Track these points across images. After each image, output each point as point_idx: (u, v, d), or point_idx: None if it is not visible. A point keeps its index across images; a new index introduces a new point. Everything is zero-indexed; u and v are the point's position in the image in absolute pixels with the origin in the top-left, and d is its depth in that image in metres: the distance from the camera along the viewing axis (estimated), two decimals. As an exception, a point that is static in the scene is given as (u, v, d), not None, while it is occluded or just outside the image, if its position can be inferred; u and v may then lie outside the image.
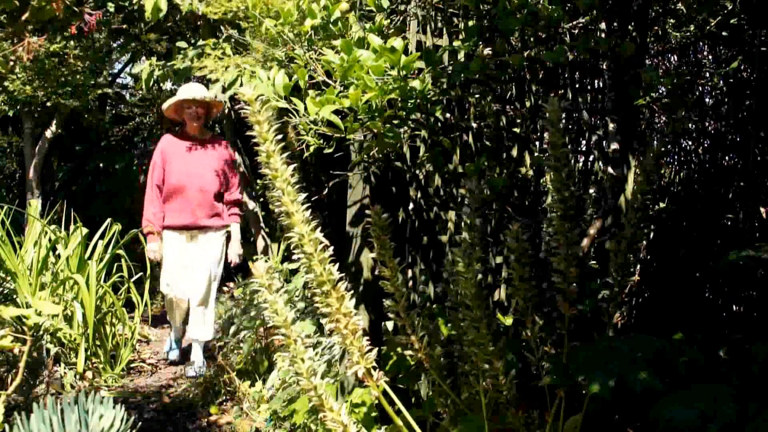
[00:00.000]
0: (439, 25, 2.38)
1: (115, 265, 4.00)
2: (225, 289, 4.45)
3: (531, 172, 2.44)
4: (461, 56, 2.17)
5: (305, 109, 1.73)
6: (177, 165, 3.58)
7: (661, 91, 2.87)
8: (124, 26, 5.06)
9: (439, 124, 2.31)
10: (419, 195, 2.42)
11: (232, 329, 3.39)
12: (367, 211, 1.61)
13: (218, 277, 3.66)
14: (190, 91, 3.58)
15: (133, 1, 5.05)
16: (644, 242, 2.64)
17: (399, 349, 1.87)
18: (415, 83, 1.76)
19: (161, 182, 3.62)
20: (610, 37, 1.98)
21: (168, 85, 5.88)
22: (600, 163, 2.45)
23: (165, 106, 3.66)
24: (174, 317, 3.78)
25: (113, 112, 8.79)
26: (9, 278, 3.33)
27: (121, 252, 3.94)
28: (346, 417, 1.35)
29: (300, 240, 1.31)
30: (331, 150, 1.85)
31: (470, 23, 1.97)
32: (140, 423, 2.37)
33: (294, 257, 1.35)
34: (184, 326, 3.77)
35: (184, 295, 3.64)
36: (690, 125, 2.82)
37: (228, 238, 3.76)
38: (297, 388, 2.47)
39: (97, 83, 6.10)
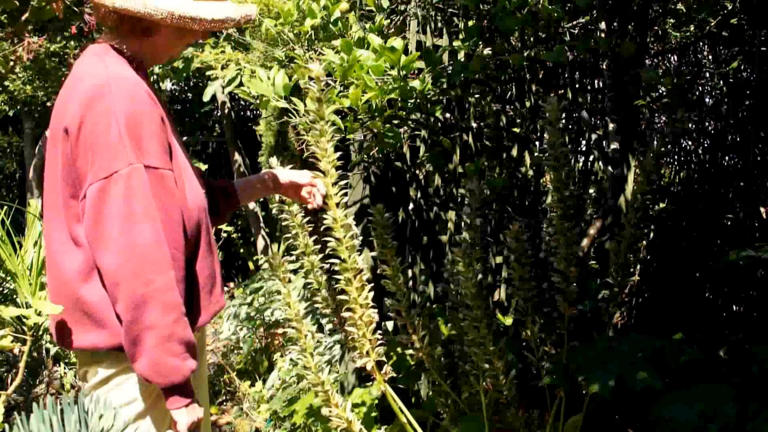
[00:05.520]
0: (439, 25, 2.38)
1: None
2: (225, 288, 4.41)
3: (531, 172, 2.44)
4: (461, 56, 2.17)
5: (305, 108, 1.73)
6: (185, 164, 1.28)
7: (661, 91, 2.87)
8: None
9: (439, 124, 2.31)
10: (419, 195, 2.42)
11: (232, 329, 3.39)
12: (368, 210, 1.62)
13: None
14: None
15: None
16: (644, 242, 2.64)
17: (399, 349, 1.87)
18: (415, 83, 1.76)
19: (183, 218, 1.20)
20: (610, 37, 1.98)
21: (167, 84, 5.89)
22: (600, 163, 2.45)
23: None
24: None
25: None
26: (9, 278, 3.32)
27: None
28: (351, 413, 1.37)
29: (333, 224, 1.32)
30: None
31: (470, 23, 1.97)
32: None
33: (292, 258, 1.35)
34: None
35: None
36: (690, 125, 2.82)
37: None
38: (297, 387, 2.48)
39: (97, 83, 6.09)
